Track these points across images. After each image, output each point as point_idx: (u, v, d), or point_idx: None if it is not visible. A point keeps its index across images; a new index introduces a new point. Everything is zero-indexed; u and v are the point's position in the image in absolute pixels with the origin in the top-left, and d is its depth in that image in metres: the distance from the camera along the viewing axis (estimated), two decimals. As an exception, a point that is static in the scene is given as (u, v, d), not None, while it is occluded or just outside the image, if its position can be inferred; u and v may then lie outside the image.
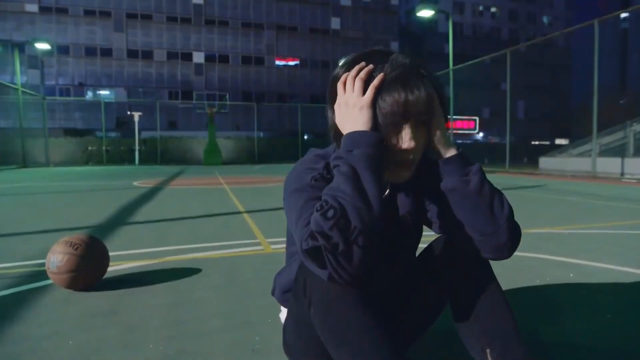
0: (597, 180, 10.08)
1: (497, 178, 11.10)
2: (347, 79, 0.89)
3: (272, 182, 9.77)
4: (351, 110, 0.87)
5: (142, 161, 25.86)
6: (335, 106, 0.91)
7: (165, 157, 27.11)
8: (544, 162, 16.11)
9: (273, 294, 1.28)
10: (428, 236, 1.16)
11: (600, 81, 10.72)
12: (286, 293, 1.18)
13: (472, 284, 0.94)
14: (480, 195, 0.87)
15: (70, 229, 3.67)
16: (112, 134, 36.48)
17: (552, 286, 2.06)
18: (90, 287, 2.02)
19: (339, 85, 0.90)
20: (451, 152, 0.91)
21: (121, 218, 4.35)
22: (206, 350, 1.42)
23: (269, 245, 3.04)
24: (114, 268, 2.40)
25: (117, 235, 3.45)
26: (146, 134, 30.57)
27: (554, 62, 49.78)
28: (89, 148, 26.74)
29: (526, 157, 27.29)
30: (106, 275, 2.17)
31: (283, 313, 1.29)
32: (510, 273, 2.26)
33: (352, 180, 0.78)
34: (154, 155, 27.01)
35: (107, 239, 3.28)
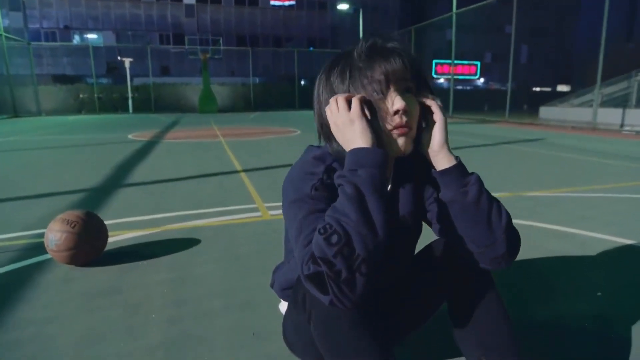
0: (597, 133, 10.02)
1: (497, 130, 11.01)
2: (330, 101, 0.86)
3: (268, 133, 9.66)
4: (343, 128, 0.83)
5: (136, 109, 25.35)
6: (332, 129, 0.86)
7: (159, 104, 26.51)
8: (545, 111, 15.90)
9: (272, 287, 1.28)
10: (427, 235, 1.14)
11: (608, 28, 10.30)
12: (286, 290, 1.19)
13: (472, 291, 0.95)
14: (478, 206, 0.85)
15: (66, 193, 3.65)
16: (103, 81, 35.37)
17: (544, 260, 2.09)
18: (91, 262, 2.04)
19: (327, 110, 0.86)
20: (449, 163, 0.88)
21: (117, 180, 4.33)
22: (208, 333, 1.46)
23: (266, 211, 3.05)
24: (114, 239, 2.42)
25: (113, 200, 3.44)
26: (138, 81, 29.66)
27: (562, 4, 47.59)
28: (81, 96, 26.06)
29: (526, 104, 26.91)
30: (107, 248, 2.19)
31: (283, 305, 1.31)
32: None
33: (358, 205, 0.75)
34: (148, 102, 26.40)
35: (104, 204, 3.27)
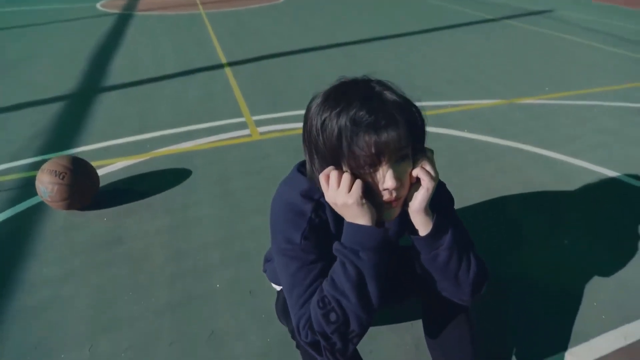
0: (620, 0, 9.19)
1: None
2: (322, 176, 0.80)
3: (250, 2, 8.73)
4: (342, 208, 0.80)
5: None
6: (327, 199, 0.82)
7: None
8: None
9: (264, 272, 1.38)
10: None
11: None
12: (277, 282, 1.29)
13: (444, 308, 1.04)
14: (447, 268, 0.87)
15: (44, 103, 3.49)
16: None
17: (523, 198, 2.19)
18: (88, 205, 2.10)
19: (322, 180, 0.80)
20: (424, 229, 0.85)
21: (95, 82, 4.09)
22: (208, 292, 1.62)
23: (255, 129, 3.00)
24: (105, 171, 2.43)
25: (95, 112, 3.32)
26: None
27: None
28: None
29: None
30: (100, 183, 2.21)
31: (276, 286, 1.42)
32: (495, 173, 2.37)
33: (358, 290, 0.78)
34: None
35: (86, 119, 3.18)
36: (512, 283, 1.64)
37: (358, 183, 0.77)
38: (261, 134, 2.93)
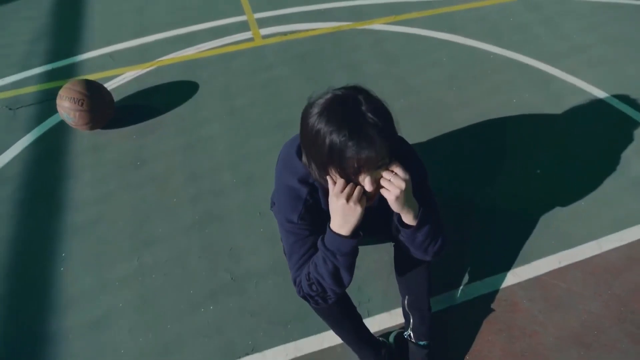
0: None
1: None
2: (332, 185, 1.00)
3: None
4: (337, 215, 1.01)
5: None
6: (330, 203, 1.02)
7: None
8: None
9: (271, 210, 1.66)
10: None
11: None
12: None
13: (410, 259, 1.31)
14: (420, 246, 1.13)
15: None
16: None
17: (515, 121, 2.33)
18: (108, 123, 2.30)
19: (330, 182, 1.00)
20: (408, 221, 1.07)
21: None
22: (224, 212, 1.94)
23: (258, 31, 2.95)
24: (115, 85, 2.56)
25: (91, 9, 3.21)
26: None
27: None
28: None
29: None
30: (115, 97, 2.35)
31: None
32: (489, 93, 2.46)
33: (334, 276, 1.06)
34: None
35: (83, 19, 3.10)
36: (477, 209, 1.93)
37: (357, 200, 0.98)
38: (264, 37, 2.90)
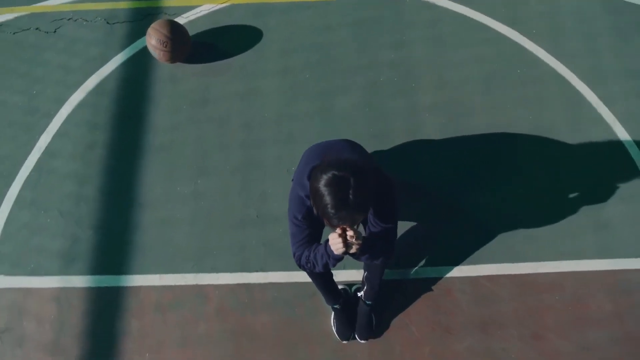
0: None
1: None
2: (332, 236, 1.54)
3: None
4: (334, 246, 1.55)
5: None
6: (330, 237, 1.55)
7: None
8: None
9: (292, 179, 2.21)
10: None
11: None
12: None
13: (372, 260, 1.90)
14: (372, 263, 1.73)
15: None
16: None
17: (527, 139, 2.58)
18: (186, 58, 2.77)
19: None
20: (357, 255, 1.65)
21: None
22: (262, 161, 2.51)
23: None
24: (191, 18, 2.91)
25: None
26: None
27: None
28: None
29: None
30: (190, 32, 2.76)
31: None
32: (518, 103, 2.66)
33: (324, 266, 1.66)
34: None
35: None
36: (453, 209, 2.40)
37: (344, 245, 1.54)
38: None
